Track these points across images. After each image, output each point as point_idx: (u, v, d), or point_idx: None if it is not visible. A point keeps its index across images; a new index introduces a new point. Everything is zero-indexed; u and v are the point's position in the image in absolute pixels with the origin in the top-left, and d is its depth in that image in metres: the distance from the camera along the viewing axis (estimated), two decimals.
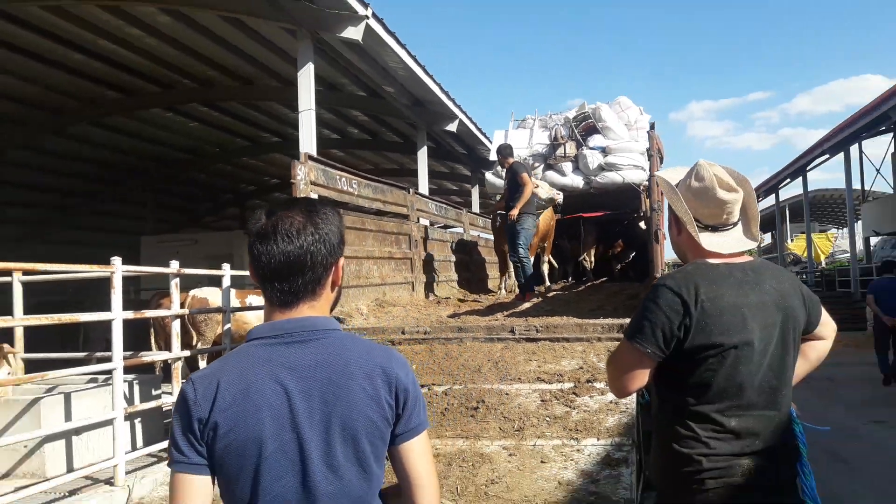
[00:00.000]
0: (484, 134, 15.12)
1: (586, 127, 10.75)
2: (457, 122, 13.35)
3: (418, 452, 1.61)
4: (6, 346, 6.39)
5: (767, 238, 48.26)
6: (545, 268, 10.70)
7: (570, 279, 13.58)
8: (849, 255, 27.35)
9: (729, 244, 2.26)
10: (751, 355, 2.10)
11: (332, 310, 1.72)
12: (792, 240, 41.21)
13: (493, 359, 5.60)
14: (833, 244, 44.28)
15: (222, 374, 1.52)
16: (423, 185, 13.58)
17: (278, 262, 1.57)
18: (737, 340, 2.08)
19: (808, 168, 28.29)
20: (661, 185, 2.47)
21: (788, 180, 30.82)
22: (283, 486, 1.48)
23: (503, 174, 9.41)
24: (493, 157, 11.14)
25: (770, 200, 34.94)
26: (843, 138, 23.66)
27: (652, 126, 7.15)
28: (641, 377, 2.20)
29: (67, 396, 6.02)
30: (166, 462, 1.59)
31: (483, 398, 5.00)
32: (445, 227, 12.62)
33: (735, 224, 2.30)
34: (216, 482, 1.53)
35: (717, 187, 2.23)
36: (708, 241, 2.25)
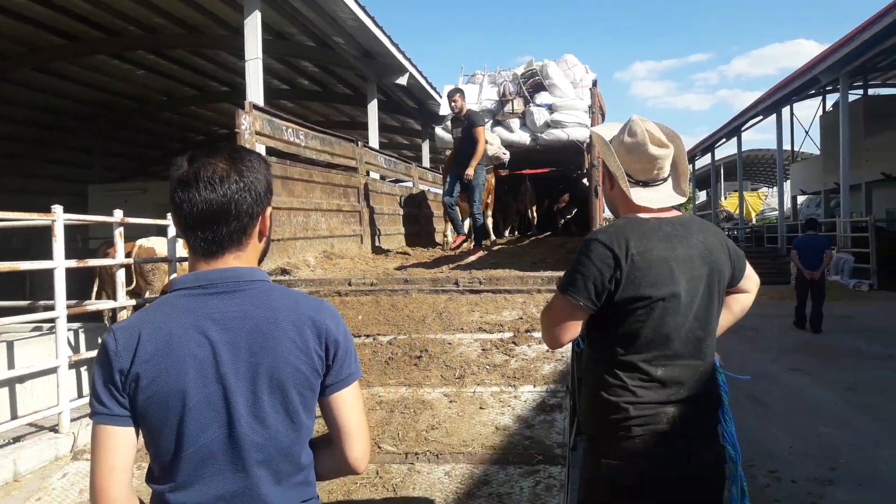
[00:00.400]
0: (434, 88, 15.05)
1: (534, 84, 10.74)
2: (407, 75, 13.27)
3: (349, 403, 1.61)
4: None
5: (703, 195, 49.44)
6: (489, 222, 10.71)
7: (515, 233, 13.76)
8: (777, 212, 28.25)
9: (659, 199, 2.29)
10: (677, 307, 2.14)
11: (260, 261, 1.67)
12: (726, 197, 42.42)
13: (438, 310, 5.71)
14: (763, 202, 45.71)
15: (144, 324, 1.48)
16: (374, 139, 13.53)
17: (200, 211, 1.52)
18: (664, 293, 2.12)
19: (742, 128, 29.17)
20: (595, 141, 2.45)
21: (724, 140, 31.80)
22: (208, 436, 1.46)
23: (450, 125, 9.15)
24: (443, 110, 11.01)
25: (706, 159, 35.87)
26: (775, 100, 24.44)
27: (594, 83, 7.18)
28: (574, 328, 2.23)
29: (10, 344, 6.00)
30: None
31: (426, 347, 5.08)
32: (396, 181, 12.63)
33: (665, 180, 2.32)
34: (140, 433, 1.50)
35: (648, 143, 2.25)
36: (639, 195, 2.27)
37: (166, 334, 1.46)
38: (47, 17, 12.31)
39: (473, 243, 8.43)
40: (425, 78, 14.33)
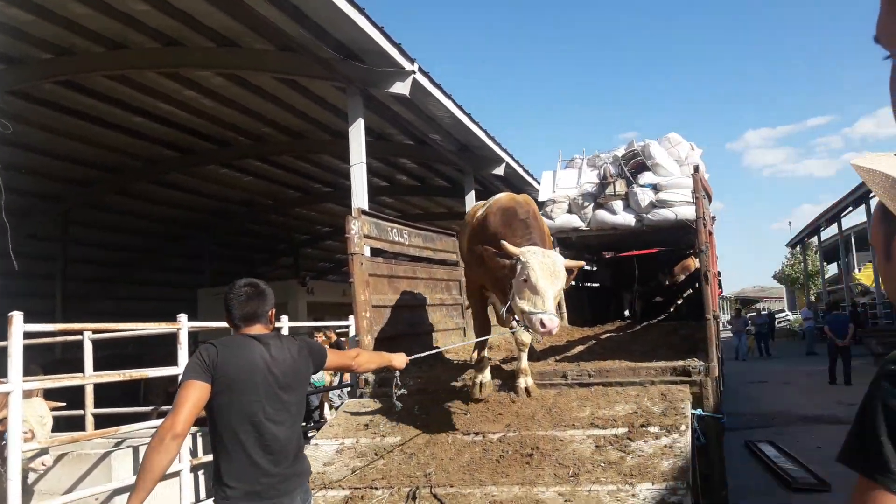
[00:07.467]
0: (532, 175, 15.12)
1: (636, 164, 10.61)
2: (503, 165, 13.45)
3: None
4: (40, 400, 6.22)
5: (832, 268, 46.24)
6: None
7: (624, 319, 13.40)
8: None
9: None
10: None
11: None
12: (860, 269, 39.30)
13: (547, 405, 5.62)
14: None
15: None
16: None
17: None
18: None
19: (871, 195, 27.03)
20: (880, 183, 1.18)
21: (851, 208, 29.15)
22: None
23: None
24: (542, 195, 10.93)
25: (833, 230, 33.36)
26: None
27: (696, 169, 7.06)
28: None
29: (136, 450, 6.21)
30: None
31: (537, 445, 5.00)
32: None
33: None
34: None
35: None
36: None
37: None
38: (163, 134, 13.23)
39: None
40: (522, 166, 14.47)
